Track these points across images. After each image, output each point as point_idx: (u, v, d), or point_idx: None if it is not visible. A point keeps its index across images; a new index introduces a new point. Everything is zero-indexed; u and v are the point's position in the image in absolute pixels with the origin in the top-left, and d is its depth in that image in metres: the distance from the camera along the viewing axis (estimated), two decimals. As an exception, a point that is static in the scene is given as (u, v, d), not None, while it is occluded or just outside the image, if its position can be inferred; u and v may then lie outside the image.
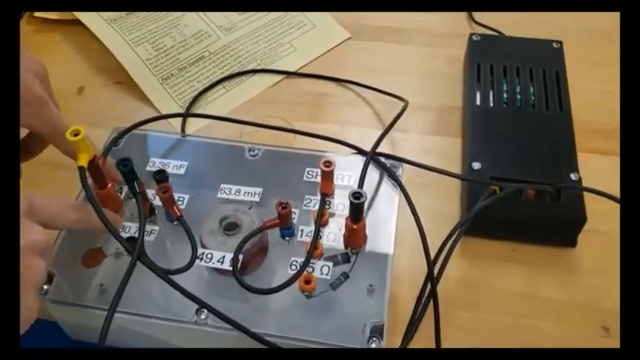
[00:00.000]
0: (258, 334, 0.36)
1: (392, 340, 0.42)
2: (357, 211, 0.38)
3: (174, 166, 0.46)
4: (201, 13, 0.66)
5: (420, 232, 0.43)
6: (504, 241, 0.50)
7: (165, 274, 0.36)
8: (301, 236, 0.42)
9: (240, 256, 0.39)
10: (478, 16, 0.68)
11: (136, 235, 0.41)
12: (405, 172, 0.47)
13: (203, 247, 0.41)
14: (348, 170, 0.45)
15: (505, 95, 0.56)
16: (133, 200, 0.40)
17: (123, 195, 0.44)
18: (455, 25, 0.68)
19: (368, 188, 0.45)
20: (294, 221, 0.42)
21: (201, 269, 0.40)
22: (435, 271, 0.44)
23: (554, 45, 0.60)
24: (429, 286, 0.43)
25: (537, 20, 0.67)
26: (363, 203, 0.37)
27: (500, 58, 0.59)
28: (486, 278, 0.48)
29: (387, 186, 0.46)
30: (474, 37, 0.61)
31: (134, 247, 0.37)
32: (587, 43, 0.65)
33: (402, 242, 0.45)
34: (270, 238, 0.42)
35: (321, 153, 0.47)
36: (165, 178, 0.44)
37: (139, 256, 0.36)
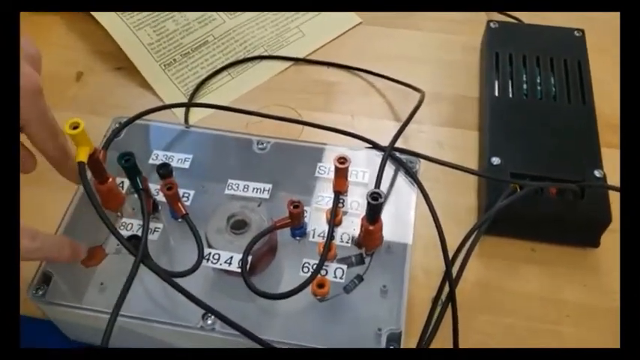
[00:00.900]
0: (268, 341, 0.34)
1: (407, 344, 0.40)
2: (374, 212, 0.35)
3: (179, 160, 0.43)
4: (205, -5, 0.63)
5: (439, 234, 0.40)
6: (524, 240, 0.47)
7: (169, 278, 0.34)
8: (313, 236, 0.39)
9: (249, 258, 0.37)
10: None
11: (139, 233, 0.39)
12: (422, 164, 0.45)
13: (209, 246, 0.38)
14: (361, 166, 0.43)
15: (525, 86, 0.53)
16: (136, 195, 0.38)
17: (125, 189, 0.41)
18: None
19: (383, 184, 0.42)
20: (306, 220, 0.40)
21: (207, 269, 0.38)
22: (454, 274, 0.41)
23: (576, 33, 0.57)
24: (446, 287, 0.41)
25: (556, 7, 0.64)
26: (382, 204, 0.35)
27: (519, 46, 0.56)
28: (505, 279, 0.46)
29: (403, 182, 0.43)
30: (491, 25, 0.58)
31: (137, 246, 0.35)
32: (610, 33, 0.62)
33: (418, 239, 0.42)
34: (280, 237, 0.39)
35: (333, 146, 0.44)
36: (169, 172, 0.42)
37: (143, 258, 0.34)
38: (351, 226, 0.40)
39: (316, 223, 0.40)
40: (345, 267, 0.38)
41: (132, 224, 0.40)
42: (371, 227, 0.37)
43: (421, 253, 0.45)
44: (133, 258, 0.34)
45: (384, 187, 0.42)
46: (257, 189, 0.42)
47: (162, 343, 0.39)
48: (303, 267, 0.38)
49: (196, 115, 0.56)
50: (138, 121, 0.45)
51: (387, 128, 0.55)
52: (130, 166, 0.36)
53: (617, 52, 0.60)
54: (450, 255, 0.42)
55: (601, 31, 0.59)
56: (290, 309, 0.37)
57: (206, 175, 0.43)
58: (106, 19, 0.59)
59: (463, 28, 0.63)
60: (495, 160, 0.47)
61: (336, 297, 0.38)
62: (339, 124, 0.55)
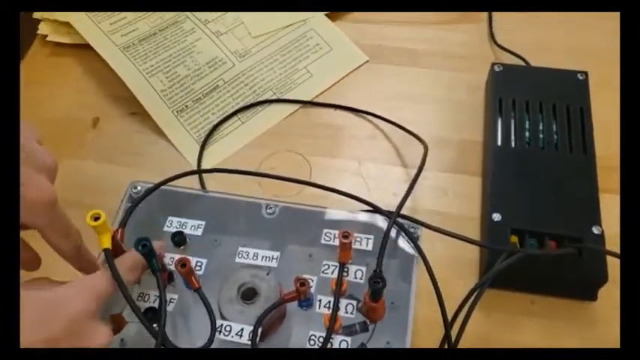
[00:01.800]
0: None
1: None
2: (376, 294, 0.37)
3: (192, 226, 0.45)
4: (215, 39, 0.64)
5: (439, 301, 0.42)
6: (523, 293, 0.49)
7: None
8: (319, 307, 0.41)
9: (259, 330, 0.39)
10: (500, 37, 0.66)
11: (156, 304, 0.42)
12: (424, 214, 0.47)
13: (222, 317, 0.41)
14: (366, 232, 0.45)
15: (527, 134, 0.54)
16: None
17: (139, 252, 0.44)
18: (476, 48, 0.66)
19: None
20: (312, 290, 0.42)
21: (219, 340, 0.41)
22: (455, 328, 0.44)
23: (579, 76, 0.58)
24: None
25: (562, 44, 0.65)
26: (383, 288, 0.37)
27: (522, 91, 0.57)
28: (505, 333, 0.48)
29: (404, 244, 0.45)
30: (496, 68, 0.59)
31: (154, 318, 0.38)
32: (614, 70, 0.63)
33: (421, 291, 0.44)
34: (288, 305, 0.42)
35: (338, 211, 0.46)
36: (183, 240, 0.45)
37: (163, 342, 0.36)
38: (356, 292, 0.42)
39: (322, 293, 0.42)
40: (349, 340, 0.40)
41: (149, 295, 0.42)
42: (374, 304, 0.39)
43: (424, 306, 0.47)
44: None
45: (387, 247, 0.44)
46: (266, 257, 0.44)
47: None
48: (309, 339, 0.40)
49: (210, 161, 0.58)
50: (153, 183, 0.47)
51: (393, 176, 0.57)
52: (147, 251, 0.38)
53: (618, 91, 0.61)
54: (452, 312, 0.44)
55: (604, 67, 0.59)
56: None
57: (218, 242, 0.45)
58: (120, 65, 0.61)
59: (468, 65, 0.64)
60: (496, 217, 0.49)
61: (341, 365, 0.40)
62: (346, 170, 0.57)
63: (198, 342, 0.40)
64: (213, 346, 0.39)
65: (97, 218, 0.36)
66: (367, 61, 0.66)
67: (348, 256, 0.42)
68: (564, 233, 0.48)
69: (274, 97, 0.62)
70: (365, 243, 0.44)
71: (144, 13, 0.66)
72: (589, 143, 0.53)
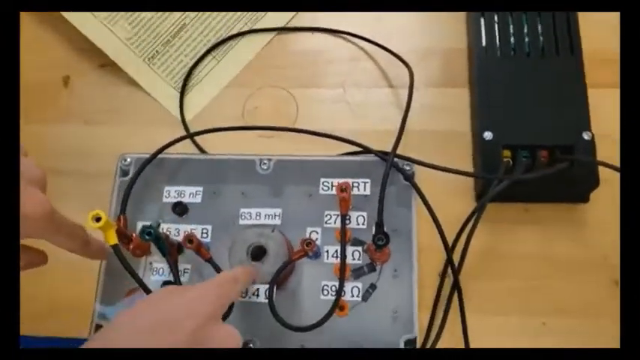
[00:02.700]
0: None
1: (420, 318, 0.44)
2: (380, 248, 0.39)
3: (190, 194, 0.46)
4: (172, -29, 0.60)
5: (438, 232, 0.44)
6: (517, 203, 0.51)
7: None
8: (327, 258, 0.43)
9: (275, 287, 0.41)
10: None
11: (171, 278, 0.43)
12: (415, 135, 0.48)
13: (236, 280, 0.43)
14: (362, 175, 0.45)
15: (512, 40, 0.53)
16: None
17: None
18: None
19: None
20: (318, 242, 0.43)
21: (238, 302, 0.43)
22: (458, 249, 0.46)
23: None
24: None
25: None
26: (387, 243, 0.38)
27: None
28: (502, 243, 0.50)
29: (401, 181, 0.46)
30: (474, -33, 0.56)
31: None
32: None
33: (418, 222, 0.45)
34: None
35: (333, 158, 0.46)
36: (185, 209, 0.45)
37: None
38: (360, 236, 0.44)
39: (328, 243, 0.43)
40: (360, 285, 0.42)
41: (162, 268, 0.44)
42: (379, 253, 0.40)
43: (425, 232, 0.49)
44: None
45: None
46: (268, 215, 0.45)
47: None
48: (322, 290, 0.42)
49: (192, 110, 0.57)
50: (143, 155, 0.46)
51: (381, 100, 0.56)
52: (153, 238, 0.39)
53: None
54: (451, 236, 0.46)
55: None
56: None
57: (218, 206, 0.46)
58: (76, 17, 0.57)
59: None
60: (487, 135, 0.49)
61: (355, 307, 0.43)
62: (332, 99, 0.56)
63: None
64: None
65: (97, 219, 0.36)
66: (338, -27, 0.61)
67: (348, 207, 0.43)
68: (555, 142, 0.48)
69: (247, 28, 0.59)
70: (362, 187, 0.45)
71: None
72: (576, 42, 0.52)
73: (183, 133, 0.54)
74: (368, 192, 0.45)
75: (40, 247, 0.38)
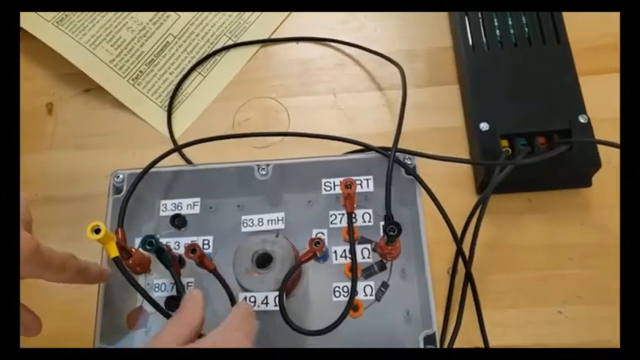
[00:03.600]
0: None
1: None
2: (392, 240, 0.38)
3: (188, 205, 0.44)
4: (151, -9, 0.59)
5: (446, 223, 0.43)
6: (519, 193, 0.50)
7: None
8: (336, 258, 0.42)
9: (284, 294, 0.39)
10: None
11: (173, 291, 0.42)
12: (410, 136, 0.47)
13: (243, 289, 0.41)
14: (364, 172, 0.44)
15: (498, 32, 0.53)
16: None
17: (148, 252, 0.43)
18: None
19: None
20: (326, 244, 0.42)
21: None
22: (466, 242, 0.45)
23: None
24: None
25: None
26: (399, 234, 0.37)
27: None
28: (509, 235, 0.49)
29: (403, 176, 0.45)
30: (453, -34, 0.56)
31: (176, 306, 0.38)
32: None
33: (426, 216, 0.44)
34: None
35: (331, 158, 0.45)
36: (183, 222, 0.44)
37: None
38: (367, 234, 0.42)
39: (336, 244, 0.42)
40: (372, 283, 0.41)
41: (164, 284, 0.42)
42: (390, 247, 0.39)
43: (430, 228, 0.47)
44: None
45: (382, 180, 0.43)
46: (271, 220, 0.43)
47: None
48: (334, 292, 0.41)
49: (180, 125, 0.55)
50: (135, 170, 0.45)
51: (372, 103, 0.55)
52: (155, 249, 0.37)
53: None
54: (458, 229, 0.45)
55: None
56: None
57: (219, 216, 0.44)
58: (58, 42, 0.56)
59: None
60: (484, 126, 0.49)
61: (369, 307, 0.41)
62: (322, 107, 0.56)
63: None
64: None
65: (97, 231, 0.35)
66: (318, -17, 0.62)
67: (353, 204, 0.42)
68: (552, 128, 0.48)
69: (230, 42, 0.58)
70: (365, 184, 0.44)
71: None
72: (561, 31, 0.52)
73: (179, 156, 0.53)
74: (371, 189, 0.44)
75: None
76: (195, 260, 0.40)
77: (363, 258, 0.42)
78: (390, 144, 0.44)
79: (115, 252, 0.36)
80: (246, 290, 0.41)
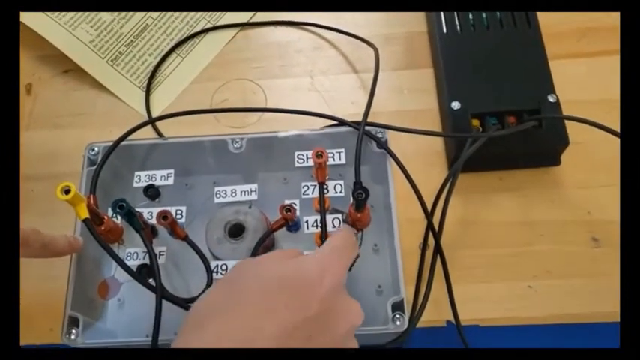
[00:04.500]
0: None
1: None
2: (361, 205, 0.38)
3: (162, 177, 0.44)
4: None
5: (417, 196, 0.44)
6: (491, 172, 0.51)
7: (188, 305, 0.37)
8: (307, 228, 0.42)
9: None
10: None
11: (146, 260, 0.42)
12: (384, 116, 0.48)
13: (215, 258, 0.41)
14: (336, 146, 0.45)
15: (470, 15, 0.54)
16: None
17: (119, 220, 0.43)
18: None
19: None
20: (297, 213, 0.42)
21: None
22: (435, 219, 0.46)
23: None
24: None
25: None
26: (367, 198, 0.37)
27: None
28: (481, 212, 0.50)
29: (373, 149, 0.45)
30: (428, -47, 0.58)
31: (149, 274, 0.38)
32: None
33: (397, 193, 0.44)
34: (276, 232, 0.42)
35: (305, 132, 0.46)
36: (157, 193, 0.44)
37: (163, 295, 0.37)
38: (338, 205, 0.43)
39: (307, 214, 0.43)
40: (342, 252, 0.41)
41: (137, 253, 0.42)
42: (359, 215, 0.40)
43: (402, 204, 0.48)
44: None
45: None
46: (244, 192, 0.44)
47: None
48: (304, 260, 0.41)
49: (158, 105, 0.56)
50: (110, 143, 0.45)
51: (348, 85, 0.56)
52: (126, 212, 0.37)
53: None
54: (429, 205, 0.46)
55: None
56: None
57: (192, 187, 0.45)
58: (39, 23, 0.57)
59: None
60: (455, 105, 0.50)
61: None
62: (299, 89, 0.56)
63: (196, 287, 0.41)
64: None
65: (67, 191, 0.35)
66: (296, -31, 0.63)
67: (325, 174, 0.42)
68: (522, 107, 0.49)
69: (209, 26, 0.59)
70: (337, 157, 0.45)
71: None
72: (532, 15, 0.53)
73: (151, 128, 0.53)
74: (343, 161, 0.44)
75: None
76: (167, 227, 0.40)
77: (334, 227, 0.42)
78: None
79: (85, 213, 0.36)
80: (218, 259, 0.41)
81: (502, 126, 0.49)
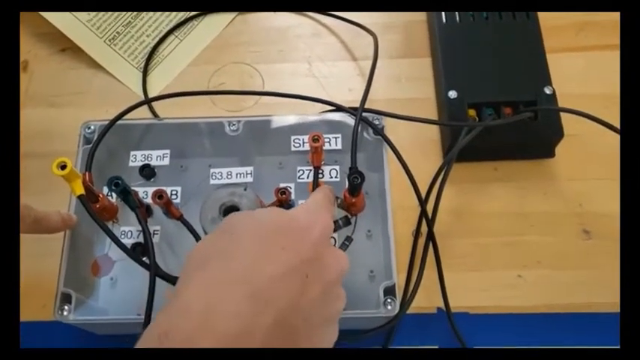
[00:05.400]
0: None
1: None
2: (356, 189, 0.38)
3: (157, 157, 0.45)
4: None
5: (411, 183, 0.44)
6: (485, 162, 0.52)
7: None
8: (301, 212, 0.42)
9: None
10: None
11: (140, 239, 0.42)
12: (381, 104, 0.48)
13: (209, 238, 0.42)
14: (333, 131, 0.45)
15: (470, 6, 0.54)
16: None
17: (114, 199, 0.43)
18: None
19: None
20: (292, 197, 0.43)
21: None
22: (430, 207, 0.46)
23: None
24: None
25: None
26: (362, 182, 0.38)
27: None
28: (474, 202, 0.50)
29: (370, 136, 0.45)
30: (430, -59, 0.57)
31: (143, 253, 0.38)
32: None
33: (392, 180, 0.45)
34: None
35: (302, 116, 0.46)
36: (152, 172, 0.44)
37: (156, 273, 0.37)
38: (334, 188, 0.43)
39: (301, 196, 0.43)
40: (335, 235, 0.42)
41: (131, 231, 0.42)
42: (354, 199, 0.40)
43: (397, 192, 0.48)
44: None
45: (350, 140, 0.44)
46: (240, 174, 0.44)
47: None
48: (298, 243, 0.41)
49: (155, 86, 0.56)
50: (106, 121, 0.45)
51: (346, 71, 0.56)
52: (121, 190, 0.37)
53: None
54: (423, 192, 0.46)
55: None
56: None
57: (187, 168, 0.45)
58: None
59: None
60: (452, 94, 0.50)
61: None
62: (297, 74, 0.56)
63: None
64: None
65: (63, 167, 0.35)
66: (297, -46, 0.63)
67: (321, 159, 0.42)
68: (518, 98, 0.49)
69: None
70: (334, 142, 0.45)
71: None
72: (531, 6, 0.54)
73: (147, 109, 0.53)
74: (340, 146, 0.44)
75: None
76: (162, 206, 0.40)
77: (328, 212, 0.42)
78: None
79: (80, 189, 0.36)
80: (212, 239, 0.41)
81: (498, 116, 0.49)
